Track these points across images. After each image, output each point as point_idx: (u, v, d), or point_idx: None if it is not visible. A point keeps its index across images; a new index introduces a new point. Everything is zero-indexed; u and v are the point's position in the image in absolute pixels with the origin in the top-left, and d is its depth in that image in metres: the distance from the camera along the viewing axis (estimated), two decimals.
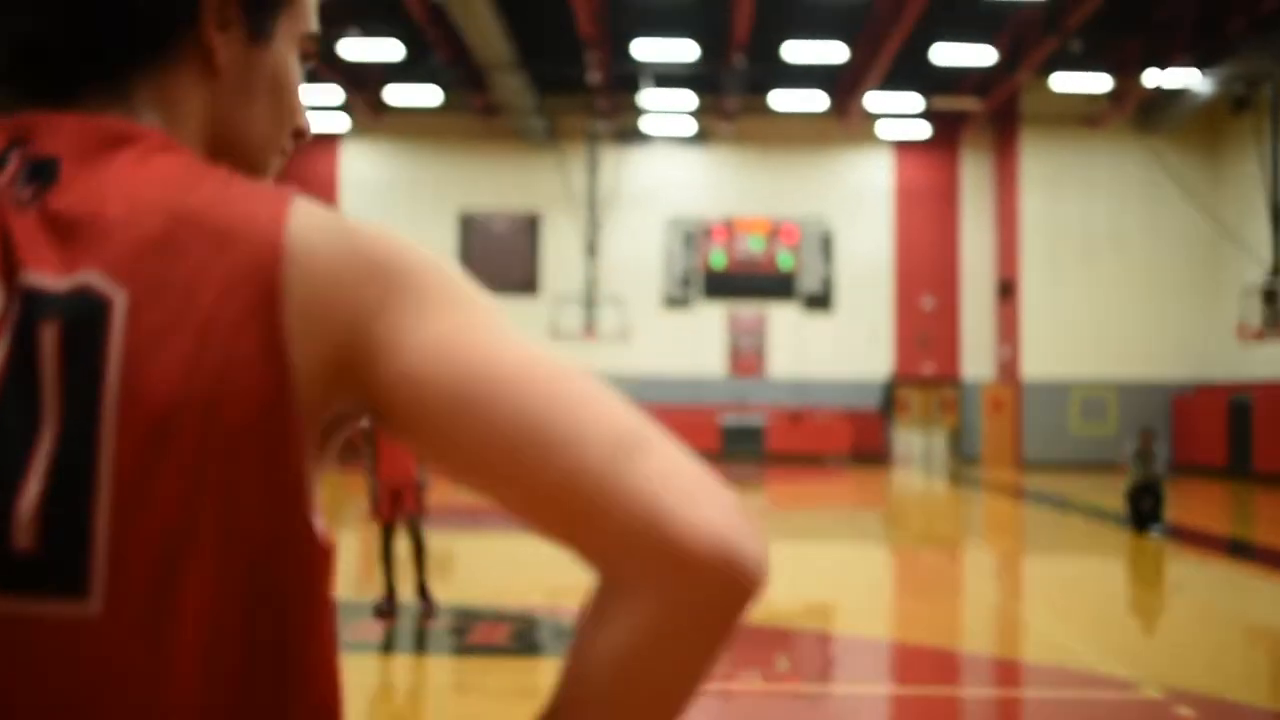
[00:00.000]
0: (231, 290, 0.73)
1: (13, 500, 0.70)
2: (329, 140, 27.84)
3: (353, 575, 9.42)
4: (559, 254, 28.26)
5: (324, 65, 22.48)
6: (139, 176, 0.77)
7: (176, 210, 0.75)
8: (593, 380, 0.75)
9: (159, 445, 0.71)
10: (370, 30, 21.58)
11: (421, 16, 20.34)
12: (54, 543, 0.70)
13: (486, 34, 20.61)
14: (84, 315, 0.71)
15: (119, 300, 0.72)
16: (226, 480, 0.72)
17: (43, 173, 0.76)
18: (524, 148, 27.84)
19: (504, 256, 28.31)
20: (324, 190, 27.81)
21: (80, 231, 0.74)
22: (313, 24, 0.95)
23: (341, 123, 27.17)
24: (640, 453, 0.72)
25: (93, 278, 0.72)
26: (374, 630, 7.37)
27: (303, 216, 0.77)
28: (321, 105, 25.90)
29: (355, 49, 22.30)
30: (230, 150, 0.90)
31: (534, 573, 9.07)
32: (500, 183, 28.30)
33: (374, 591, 7.93)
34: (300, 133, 0.96)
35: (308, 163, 27.77)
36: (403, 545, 7.87)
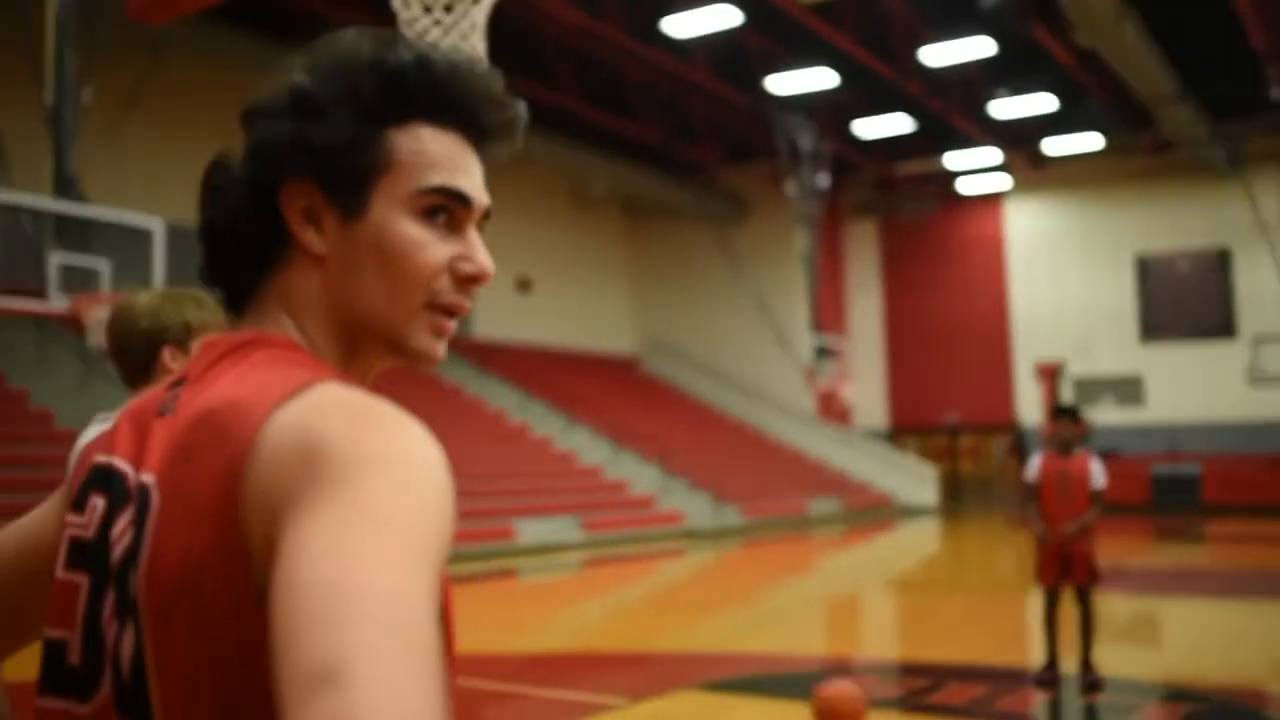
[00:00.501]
0: (214, 489, 0.85)
1: (123, 627, 0.89)
2: (991, 200, 27.91)
3: (1013, 640, 9.30)
4: (1255, 291, 25.61)
5: (978, 129, 22.70)
6: (222, 382, 0.93)
7: (208, 411, 0.90)
8: (390, 627, 0.69)
9: (168, 614, 0.86)
10: (1019, 88, 21.46)
11: (1072, 64, 19.82)
12: (136, 668, 0.89)
13: (1145, 68, 19.55)
14: (143, 508, 0.90)
15: (155, 498, 0.89)
16: (213, 648, 0.84)
17: (177, 388, 0.97)
18: (1203, 180, 25.74)
19: (1190, 298, 26.28)
20: (990, 250, 27.89)
21: (160, 437, 0.93)
22: (431, 178, 0.99)
23: (1002, 182, 27.14)
24: (330, 689, 0.66)
25: (149, 478, 0.91)
26: (1034, 700, 7.24)
27: (295, 404, 0.86)
28: (980, 168, 26.12)
29: (1007, 108, 22.27)
30: (356, 325, 1.00)
31: (1227, 643, 8.30)
32: (1179, 220, 26.38)
33: (1037, 659, 7.79)
34: (474, 278, 1.03)
35: (972, 225, 28.06)
36: (1070, 611, 7.64)
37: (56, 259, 12.09)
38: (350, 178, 0.97)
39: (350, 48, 0.99)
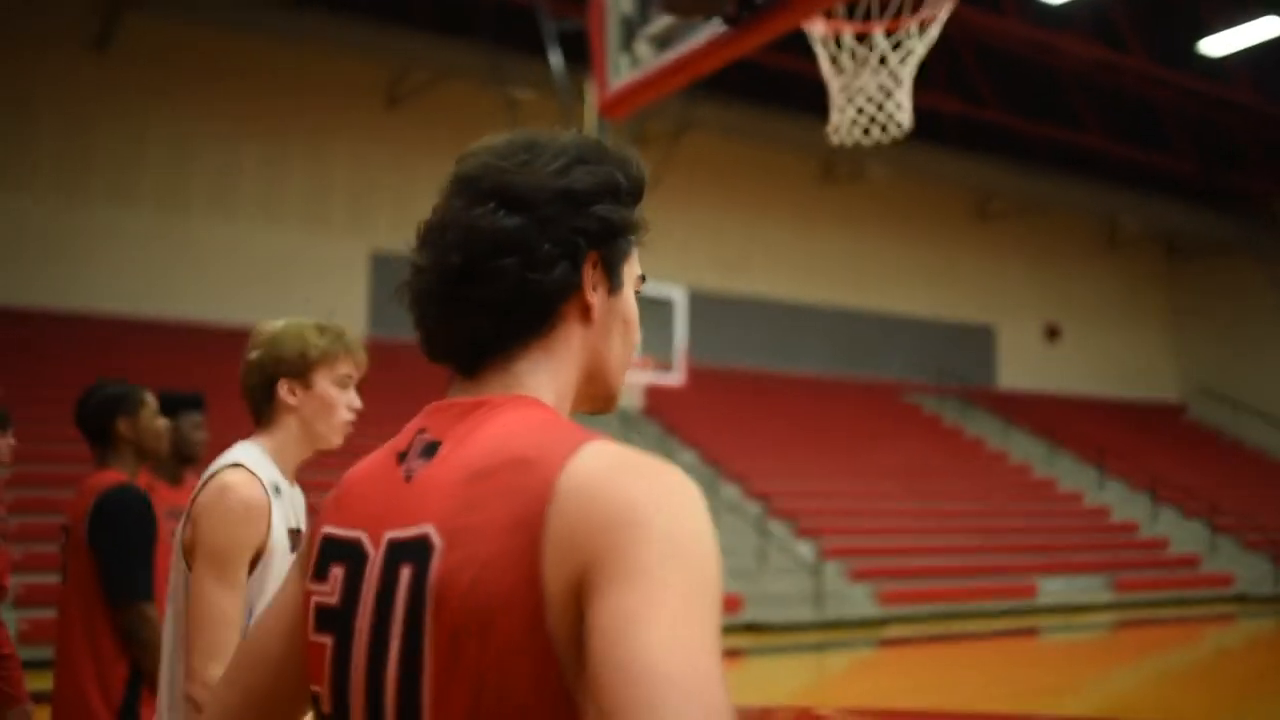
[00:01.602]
0: (509, 538, 0.96)
1: (383, 684, 1.02)
2: None
3: None
4: None
5: None
6: (484, 440, 1.04)
7: (487, 469, 1.01)
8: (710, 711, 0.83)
9: (454, 652, 0.97)
10: None
11: None
12: (405, 707, 1.00)
13: None
14: (423, 556, 1.01)
15: (439, 544, 1.00)
16: (500, 683, 0.95)
17: (430, 451, 1.08)
18: None
19: None
20: None
21: (430, 494, 1.04)
22: (638, 266, 1.20)
23: None
24: None
25: (428, 529, 1.02)
26: None
27: (583, 460, 0.97)
28: None
29: None
30: (594, 379, 1.17)
31: None
32: None
33: None
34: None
35: None
36: None
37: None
38: (622, 257, 1.17)
39: (628, 154, 1.20)
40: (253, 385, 2.44)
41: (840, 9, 4.76)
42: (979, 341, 25.01)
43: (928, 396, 23.21)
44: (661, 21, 4.83)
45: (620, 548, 0.91)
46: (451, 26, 17.38)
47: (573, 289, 1.11)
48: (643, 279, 1.22)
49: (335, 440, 2.49)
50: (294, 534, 2.41)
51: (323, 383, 2.44)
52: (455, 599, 0.97)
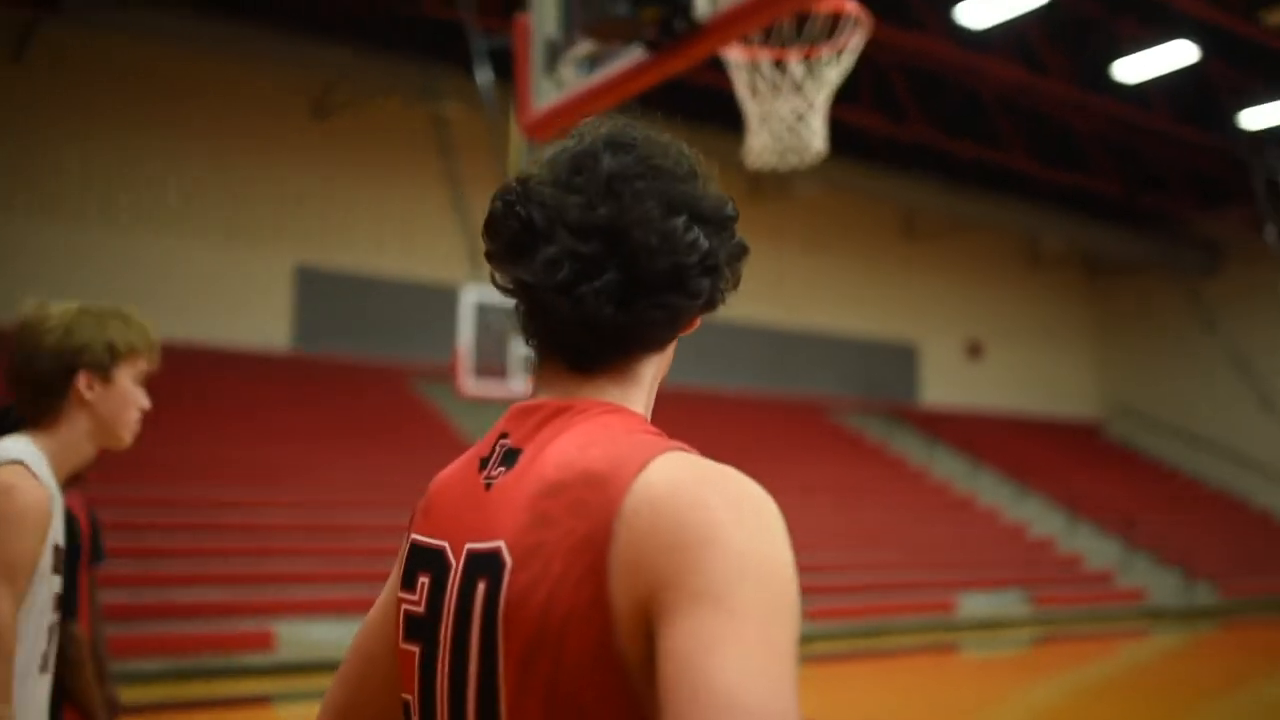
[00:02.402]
0: (578, 554, 0.96)
1: (465, 696, 1.03)
2: None
3: None
4: None
5: None
6: (562, 450, 1.03)
7: (560, 483, 1.00)
8: None
9: (527, 668, 0.97)
10: None
11: None
12: (486, 717, 1.01)
13: None
14: (496, 572, 1.02)
15: (509, 563, 1.00)
16: (571, 699, 0.95)
17: (510, 459, 1.08)
18: None
19: None
20: None
21: (506, 506, 1.04)
22: None
23: None
24: None
25: (499, 544, 1.02)
26: None
27: (653, 474, 0.97)
28: None
29: None
30: (655, 386, 1.19)
31: None
32: None
33: None
34: None
35: None
36: None
37: (519, 346, 13.45)
38: (727, 279, 1.18)
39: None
40: (41, 374, 2.17)
41: (757, 36, 4.81)
42: (903, 359, 25.36)
43: (852, 414, 23.47)
44: (585, 45, 4.84)
45: (692, 567, 0.90)
46: (381, 41, 17.26)
47: (713, 305, 1.17)
48: None
49: (127, 440, 2.29)
50: (56, 551, 2.18)
51: (124, 378, 2.24)
52: (527, 617, 0.97)
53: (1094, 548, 20.24)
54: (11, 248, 15.79)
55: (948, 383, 25.78)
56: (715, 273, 1.13)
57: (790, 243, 23.00)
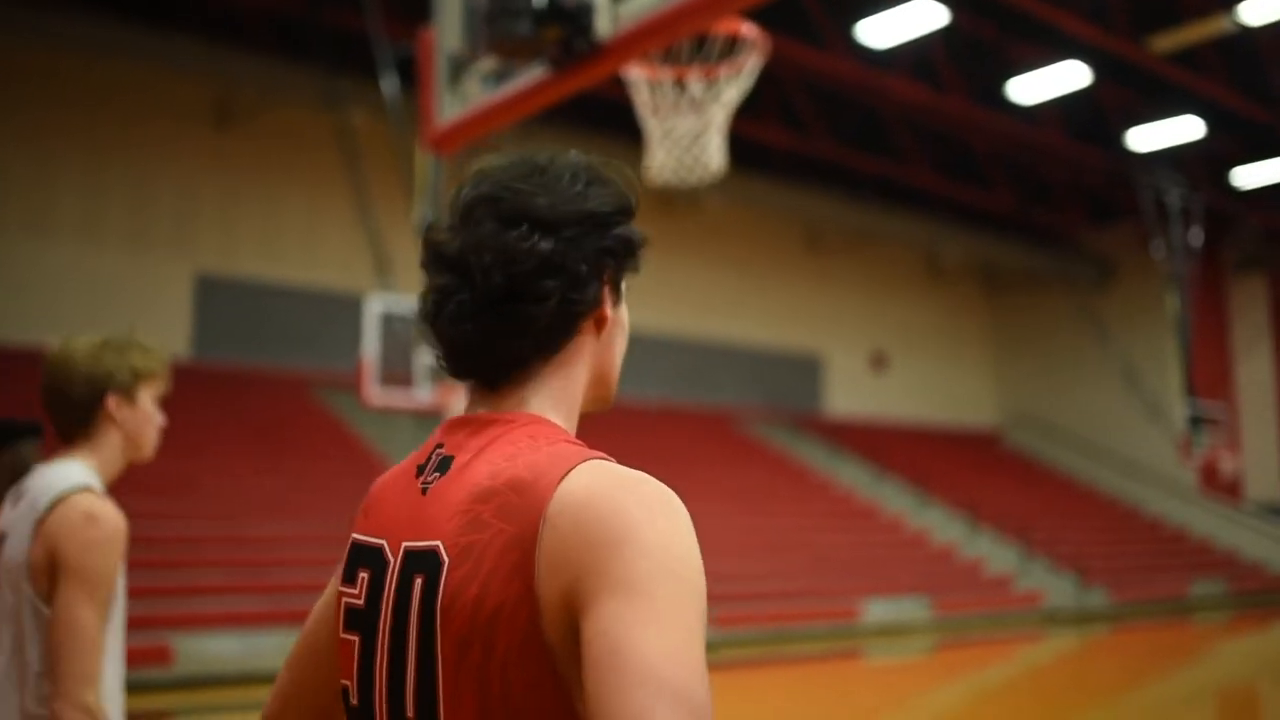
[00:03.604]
0: (507, 553, 1.06)
1: (404, 682, 1.12)
2: None
3: None
4: None
5: None
6: (492, 460, 1.12)
7: (490, 490, 1.10)
8: (686, 703, 0.93)
9: (461, 657, 1.07)
10: None
11: None
12: (424, 703, 1.10)
13: None
14: (433, 569, 1.11)
15: (446, 561, 1.10)
16: (502, 687, 1.05)
17: (444, 466, 1.17)
18: None
19: None
20: None
21: (440, 509, 1.13)
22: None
23: None
24: None
25: (437, 544, 1.11)
26: None
27: (573, 480, 1.07)
28: None
29: None
30: (599, 382, 1.28)
31: None
32: None
33: None
34: None
35: None
36: None
37: (424, 356, 13.38)
38: (627, 270, 1.26)
39: (626, 174, 1.28)
40: (76, 399, 2.43)
41: (658, 55, 4.90)
42: (808, 369, 25.72)
43: (758, 423, 23.74)
44: (489, 61, 4.89)
45: (612, 561, 1.00)
46: (284, 48, 17.06)
47: (595, 305, 1.21)
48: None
49: (150, 454, 2.56)
50: None
51: (145, 399, 2.51)
52: (461, 610, 1.07)
53: (993, 554, 20.73)
54: None
55: (852, 393, 26.21)
56: (561, 272, 1.17)
57: (699, 255, 23.20)
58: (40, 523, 2.31)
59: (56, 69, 16.14)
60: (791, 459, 22.67)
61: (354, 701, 1.19)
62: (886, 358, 26.86)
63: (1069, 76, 18.29)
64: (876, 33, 16.79)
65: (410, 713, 1.11)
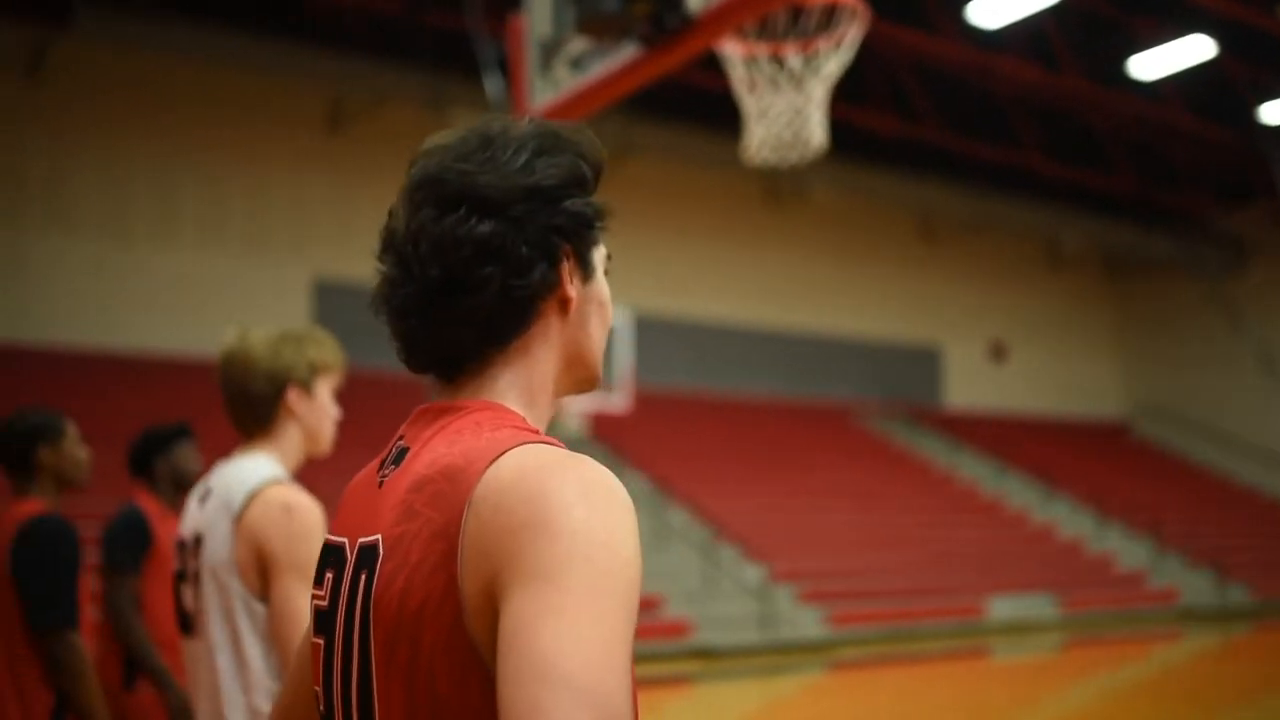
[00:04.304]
0: (433, 543, 1.00)
1: (350, 681, 1.08)
2: None
3: None
4: None
5: None
6: (434, 447, 1.07)
7: (425, 477, 1.05)
8: (596, 699, 0.86)
9: (390, 654, 1.02)
10: None
11: None
12: (364, 705, 1.06)
13: None
14: (370, 564, 1.07)
15: (381, 554, 1.05)
16: (429, 683, 0.99)
17: (400, 458, 1.12)
18: None
19: None
20: None
21: (387, 502, 1.09)
22: (606, 245, 1.21)
23: None
24: None
25: (378, 537, 1.07)
26: None
27: (502, 465, 1.00)
28: None
29: None
30: (575, 364, 1.19)
31: None
32: None
33: None
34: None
35: None
36: None
37: None
38: (592, 245, 1.17)
39: (585, 137, 1.19)
40: (257, 393, 2.43)
41: (753, 30, 4.73)
42: (925, 362, 25.15)
43: (875, 417, 23.29)
44: (579, 44, 4.78)
45: (528, 548, 0.93)
46: (390, 50, 17.27)
47: (551, 287, 1.13)
48: (609, 257, 1.23)
49: (327, 448, 2.56)
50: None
51: (323, 391, 2.51)
52: (388, 605, 1.02)
53: (1124, 549, 20.00)
54: (29, 262, 15.87)
55: (971, 385, 25.56)
56: (499, 256, 1.09)
57: (808, 248, 22.88)
58: (238, 520, 2.31)
59: (173, 78, 16.59)
60: (911, 453, 22.20)
61: (322, 707, 1.14)
62: (1006, 348, 26.13)
63: (1193, 50, 17.54)
64: (987, 13, 16.32)
65: (355, 715, 1.07)
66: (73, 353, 15.65)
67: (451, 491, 1.01)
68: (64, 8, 15.17)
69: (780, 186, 21.27)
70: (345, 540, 1.14)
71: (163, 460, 4.23)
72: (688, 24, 4.08)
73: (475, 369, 1.14)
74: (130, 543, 4.08)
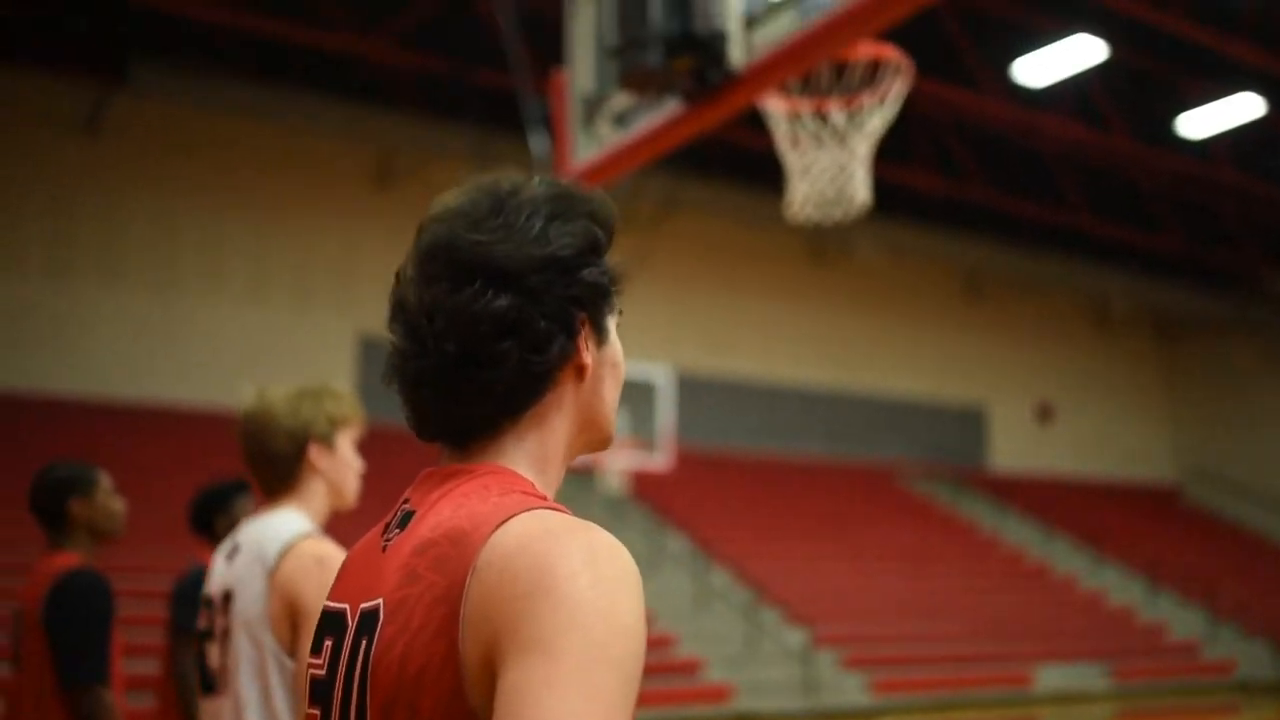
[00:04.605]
0: (434, 608, 0.98)
1: None
2: None
3: None
4: None
5: None
6: (439, 512, 1.05)
7: (429, 541, 1.02)
8: None
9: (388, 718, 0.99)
10: None
11: None
12: None
13: None
14: (371, 629, 1.04)
15: (381, 618, 1.03)
16: None
17: (405, 521, 1.10)
18: None
19: None
20: None
21: (390, 565, 1.06)
22: (618, 303, 1.19)
23: None
24: None
25: (379, 603, 1.05)
26: None
27: (507, 530, 0.98)
28: None
29: None
30: (589, 427, 1.17)
31: None
32: None
33: None
34: None
35: None
36: None
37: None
38: (606, 308, 1.16)
39: (596, 198, 1.17)
40: (279, 452, 2.44)
41: (796, 85, 4.69)
42: (970, 422, 24.83)
43: (919, 479, 22.98)
44: (621, 100, 4.75)
45: (526, 617, 0.91)
46: (438, 107, 17.46)
47: (568, 357, 1.11)
48: (620, 312, 1.22)
49: (352, 501, 2.56)
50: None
51: (344, 445, 2.51)
52: (387, 670, 1.00)
53: (1176, 618, 19.49)
54: (81, 315, 16.08)
55: (1017, 447, 25.18)
56: (518, 331, 1.07)
57: (852, 306, 22.75)
58: (272, 574, 2.32)
59: (224, 134, 16.85)
60: (955, 516, 21.85)
61: None
62: (1053, 409, 25.76)
63: (1241, 108, 17.37)
64: (1032, 71, 16.26)
65: None
66: (119, 406, 15.80)
67: (456, 556, 0.99)
68: (119, 66, 15.51)
69: (825, 244, 21.21)
70: (346, 607, 1.11)
71: (222, 517, 4.32)
72: (731, 79, 4.03)
73: (488, 437, 1.12)
74: (198, 602, 4.12)
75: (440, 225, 1.13)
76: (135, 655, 10.10)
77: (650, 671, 13.82)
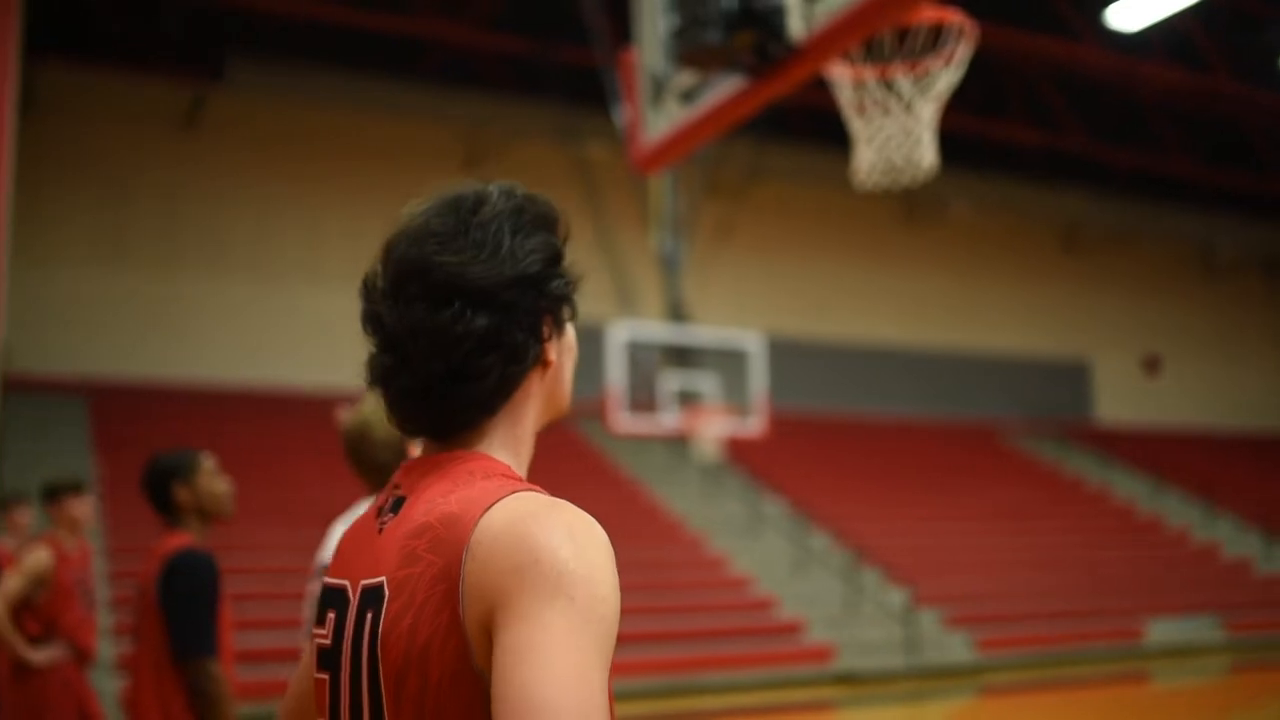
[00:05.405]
0: (435, 585, 1.09)
1: (361, 713, 1.16)
2: None
3: None
4: None
5: None
6: (430, 497, 1.16)
7: (425, 525, 1.14)
8: None
9: (400, 688, 1.11)
10: None
11: None
12: None
13: None
14: (376, 605, 1.15)
15: (387, 595, 1.14)
16: (440, 715, 1.08)
17: (397, 506, 1.21)
18: None
19: None
20: None
21: (388, 547, 1.17)
22: (572, 294, 1.29)
23: None
24: None
25: (382, 579, 1.16)
26: None
27: (495, 512, 1.10)
28: None
29: None
30: (550, 404, 1.29)
31: None
32: None
33: None
34: None
35: None
36: None
37: (670, 381, 13.47)
38: (566, 307, 1.27)
39: (549, 207, 1.31)
40: (384, 463, 2.66)
41: (859, 53, 4.72)
42: (1074, 376, 24.38)
43: (1022, 435, 22.67)
44: (687, 76, 4.84)
45: (516, 588, 1.03)
46: (523, 87, 17.66)
47: (538, 359, 1.24)
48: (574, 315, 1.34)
49: None
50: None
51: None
52: (396, 642, 1.11)
53: None
54: (190, 304, 16.69)
55: (1123, 400, 24.67)
56: (499, 345, 1.18)
57: (947, 264, 22.47)
58: None
59: (318, 125, 17.29)
60: (1061, 471, 21.53)
61: None
62: (1160, 360, 25.15)
63: None
64: (1127, 16, 15.82)
65: None
66: (224, 390, 16.39)
67: (450, 537, 1.10)
68: (217, 62, 16.00)
69: (916, 203, 20.97)
70: (347, 583, 1.22)
71: None
72: (792, 52, 4.09)
73: (467, 430, 1.23)
74: None
75: (411, 247, 1.24)
76: (260, 629, 10.56)
77: (752, 633, 13.98)
